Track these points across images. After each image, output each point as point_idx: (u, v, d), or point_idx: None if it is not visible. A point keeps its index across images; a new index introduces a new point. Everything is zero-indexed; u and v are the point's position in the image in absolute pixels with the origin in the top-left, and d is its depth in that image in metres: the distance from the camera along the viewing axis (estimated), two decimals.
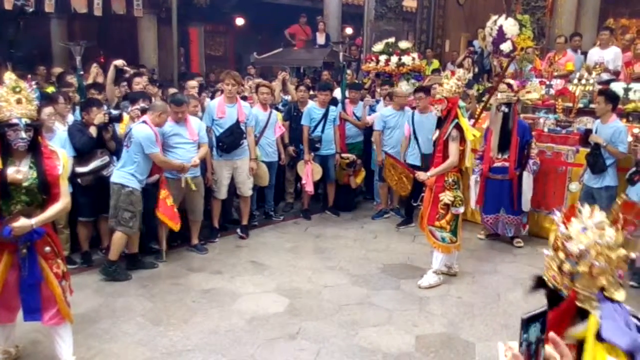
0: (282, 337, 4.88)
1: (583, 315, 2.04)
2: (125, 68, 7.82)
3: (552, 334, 1.22)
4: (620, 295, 2.05)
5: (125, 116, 6.55)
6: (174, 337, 4.87)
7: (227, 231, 7.65)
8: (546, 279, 2.11)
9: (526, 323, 1.16)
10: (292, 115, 8.55)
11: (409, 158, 7.90)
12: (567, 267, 2.03)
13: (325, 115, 8.20)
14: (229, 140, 7.07)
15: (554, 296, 2.08)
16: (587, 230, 2.02)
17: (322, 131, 8.20)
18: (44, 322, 4.14)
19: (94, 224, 6.56)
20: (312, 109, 8.25)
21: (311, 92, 9.08)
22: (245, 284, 6.02)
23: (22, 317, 4.10)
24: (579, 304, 2.04)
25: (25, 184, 3.87)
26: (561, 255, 2.05)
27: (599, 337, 1.96)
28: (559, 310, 2.03)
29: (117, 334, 4.91)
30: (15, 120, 3.81)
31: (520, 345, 1.17)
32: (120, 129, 6.47)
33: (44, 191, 3.94)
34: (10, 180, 3.82)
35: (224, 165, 7.19)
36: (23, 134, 3.84)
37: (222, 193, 7.27)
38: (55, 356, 4.30)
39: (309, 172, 8.15)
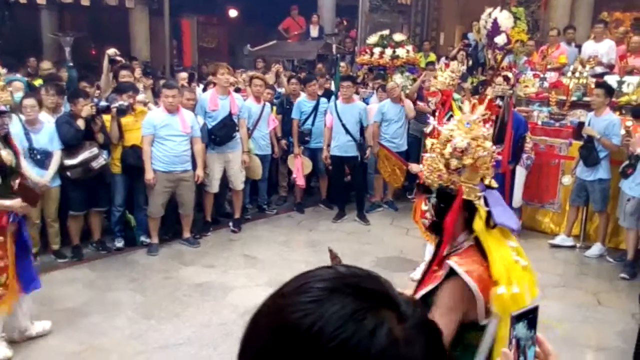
0: None
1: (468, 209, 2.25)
2: (117, 58, 7.74)
3: (539, 335, 1.19)
4: (494, 182, 2.31)
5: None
6: (166, 331, 4.85)
7: (219, 224, 7.60)
8: (431, 182, 2.26)
9: (515, 320, 1.13)
10: (285, 108, 8.50)
11: (334, 150, 7.88)
12: (454, 163, 2.20)
13: (315, 108, 8.15)
14: (222, 133, 7.02)
15: (442, 198, 2.25)
16: (470, 125, 2.23)
17: (313, 124, 8.14)
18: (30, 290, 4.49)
19: (85, 218, 6.51)
20: (302, 102, 8.18)
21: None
22: (237, 278, 5.99)
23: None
24: (465, 197, 2.23)
25: (13, 164, 4.19)
26: (446, 153, 2.21)
27: (488, 224, 2.20)
28: (453, 209, 2.22)
29: (108, 328, 4.88)
30: (2, 108, 4.02)
31: (510, 342, 1.14)
32: (107, 121, 6.41)
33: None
34: (5, 161, 4.12)
35: (216, 158, 7.14)
36: (7, 120, 4.10)
37: (215, 187, 7.23)
38: (19, 326, 4.57)
39: (299, 166, 8.11)
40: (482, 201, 2.26)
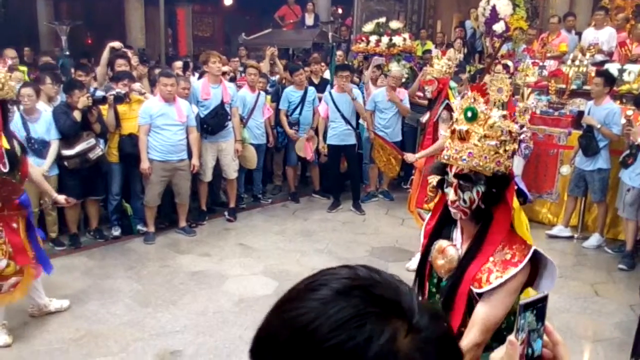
0: None
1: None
2: (124, 50, 7.67)
3: (548, 324, 1.17)
4: None
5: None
6: (162, 318, 4.86)
7: (215, 214, 7.59)
8: (483, 169, 2.22)
9: (524, 309, 1.10)
10: (280, 96, 8.44)
11: (331, 139, 7.83)
12: (510, 147, 2.23)
13: (303, 98, 8.10)
14: (214, 122, 6.99)
15: (494, 184, 2.23)
16: (528, 111, 2.29)
17: (300, 113, 8.08)
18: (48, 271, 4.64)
19: (82, 206, 6.49)
20: (289, 92, 8.11)
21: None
22: (233, 266, 5.99)
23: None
24: None
25: (19, 152, 4.25)
26: (505, 138, 2.21)
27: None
28: (510, 191, 2.26)
29: (105, 316, 4.89)
30: (14, 97, 4.16)
31: (517, 331, 1.11)
32: (103, 109, 6.36)
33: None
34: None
35: (209, 147, 7.10)
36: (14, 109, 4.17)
37: (208, 176, 7.21)
38: (38, 304, 4.79)
39: (310, 147, 8.09)
40: None
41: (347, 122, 7.72)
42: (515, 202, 2.31)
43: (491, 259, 2.21)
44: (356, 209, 7.92)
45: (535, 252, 2.20)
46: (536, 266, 2.27)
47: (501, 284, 2.15)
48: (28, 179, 4.50)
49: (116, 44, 7.34)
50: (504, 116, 2.25)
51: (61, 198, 4.87)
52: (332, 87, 8.45)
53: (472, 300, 2.23)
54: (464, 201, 2.25)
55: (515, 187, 2.32)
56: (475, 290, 2.20)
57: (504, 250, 2.21)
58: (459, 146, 2.26)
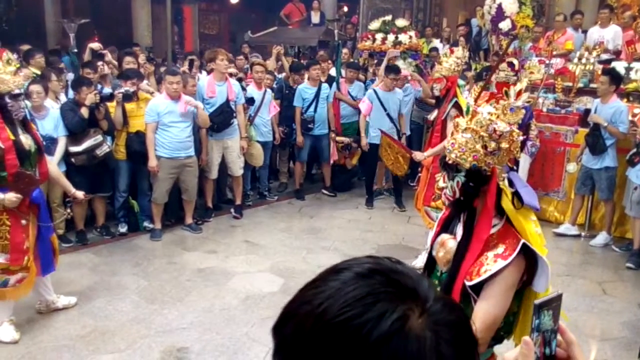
0: (276, 316, 4.82)
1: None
2: (103, 51, 7.73)
3: (561, 323, 1.16)
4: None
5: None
6: (169, 315, 4.86)
7: (221, 211, 7.61)
8: (462, 162, 2.25)
9: (539, 309, 1.10)
10: (284, 93, 8.43)
11: (374, 138, 7.78)
12: (492, 145, 2.21)
13: (317, 95, 8.10)
14: (220, 120, 7.00)
15: (472, 178, 2.24)
16: (515, 110, 2.24)
17: (315, 110, 8.10)
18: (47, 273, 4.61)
19: (89, 203, 6.49)
20: (303, 89, 8.11)
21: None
22: (239, 264, 5.99)
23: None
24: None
25: (32, 149, 4.25)
26: (485, 135, 2.21)
27: (513, 205, 2.27)
28: (491, 190, 2.25)
29: (112, 312, 4.91)
30: (18, 91, 4.10)
31: (532, 331, 1.10)
32: (111, 107, 6.38)
33: (39, 155, 4.36)
34: (24, 145, 4.22)
35: (214, 145, 7.12)
36: (22, 103, 4.18)
37: (214, 173, 7.23)
38: (46, 300, 4.80)
39: (334, 150, 8.23)
40: (506, 182, 2.30)
41: (392, 120, 7.71)
42: (508, 205, 2.28)
43: (486, 253, 2.23)
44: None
45: (530, 250, 2.19)
46: (535, 265, 2.26)
47: (492, 277, 2.16)
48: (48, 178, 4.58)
49: (95, 46, 7.41)
50: (496, 115, 2.25)
51: (80, 194, 4.87)
52: (338, 85, 8.46)
53: (470, 297, 2.24)
54: (449, 189, 2.32)
55: (512, 190, 2.29)
56: (467, 283, 2.21)
57: (498, 246, 2.24)
58: (452, 137, 2.34)
